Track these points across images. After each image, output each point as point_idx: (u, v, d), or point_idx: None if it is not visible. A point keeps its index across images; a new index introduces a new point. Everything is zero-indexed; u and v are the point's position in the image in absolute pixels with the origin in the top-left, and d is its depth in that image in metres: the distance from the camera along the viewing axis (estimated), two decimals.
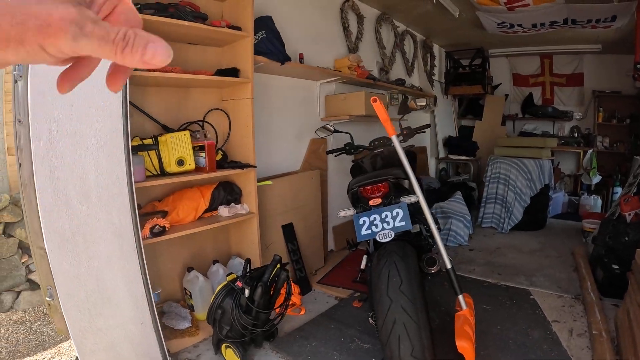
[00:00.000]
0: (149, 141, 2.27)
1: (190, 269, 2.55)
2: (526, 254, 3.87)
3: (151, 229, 2.22)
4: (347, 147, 2.85)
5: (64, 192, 1.80)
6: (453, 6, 4.40)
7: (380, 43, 4.69)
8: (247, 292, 2.09)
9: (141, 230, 2.08)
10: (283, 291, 2.23)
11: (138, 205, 2.39)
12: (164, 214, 2.40)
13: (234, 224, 2.75)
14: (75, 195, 1.84)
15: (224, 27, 2.41)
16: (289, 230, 3.12)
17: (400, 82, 4.71)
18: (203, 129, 2.69)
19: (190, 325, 2.45)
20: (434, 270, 2.07)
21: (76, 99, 1.80)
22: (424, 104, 4.77)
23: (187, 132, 2.37)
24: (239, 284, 2.13)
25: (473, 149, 6.51)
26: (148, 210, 2.43)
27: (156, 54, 0.31)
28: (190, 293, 2.54)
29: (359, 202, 2.17)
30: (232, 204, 2.69)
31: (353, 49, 4.15)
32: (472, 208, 4.99)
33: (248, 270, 2.20)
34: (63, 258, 1.82)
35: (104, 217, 1.93)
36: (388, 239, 1.93)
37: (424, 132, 2.65)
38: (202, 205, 2.54)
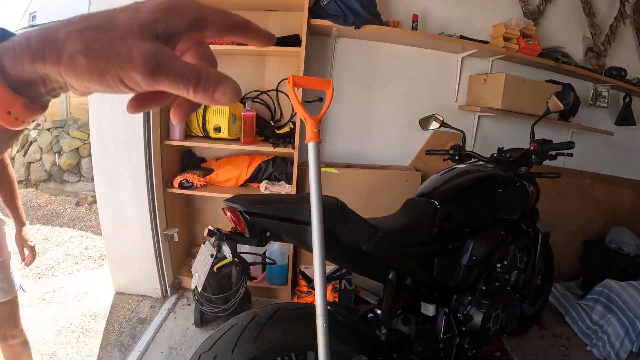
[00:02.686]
0: None
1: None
2: None
3: (181, 182, 2.56)
4: (452, 152, 2.06)
5: (106, 141, 2.45)
6: None
7: (589, 9, 2.64)
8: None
9: (167, 180, 2.49)
10: None
11: (202, 158, 2.80)
12: (208, 172, 2.66)
13: None
14: (111, 144, 2.44)
15: None
16: None
17: (620, 73, 2.62)
18: (276, 99, 2.64)
19: None
20: None
21: None
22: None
23: None
24: None
25: None
26: (205, 166, 2.75)
27: (226, 93, 0.32)
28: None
29: None
30: (279, 182, 2.59)
31: (533, 12, 2.54)
32: None
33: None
34: (104, 185, 2.54)
35: (127, 162, 2.45)
36: None
37: (568, 154, 1.82)
38: (244, 175, 2.61)
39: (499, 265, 1.69)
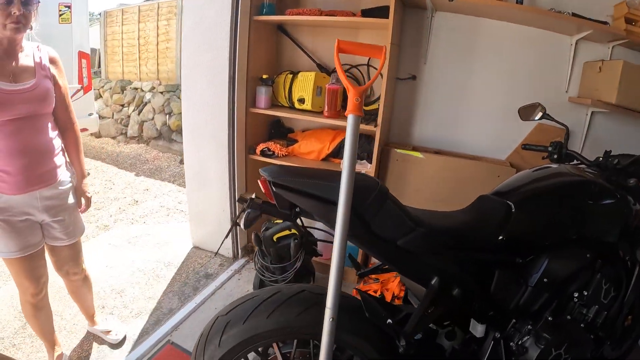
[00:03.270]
0: (266, 76, 2.50)
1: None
2: None
3: (263, 149, 2.59)
4: (551, 149, 1.75)
5: (194, 103, 2.57)
6: None
7: None
8: None
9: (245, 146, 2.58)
10: None
11: (290, 129, 2.82)
12: (292, 143, 2.65)
13: None
14: (198, 105, 2.56)
15: None
16: None
17: None
18: (366, 73, 2.52)
19: None
20: None
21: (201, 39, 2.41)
22: None
23: (313, 73, 2.40)
24: None
25: None
26: (292, 136, 2.75)
27: None
28: None
29: None
30: (361, 160, 2.49)
31: None
32: None
33: None
34: (190, 143, 2.68)
35: (210, 125, 2.54)
36: None
37: None
38: (325, 149, 2.55)
39: (576, 294, 1.34)
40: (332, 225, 1.03)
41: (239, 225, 1.16)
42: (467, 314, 1.30)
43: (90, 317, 2.07)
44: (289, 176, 1.10)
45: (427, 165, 2.37)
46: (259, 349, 1.26)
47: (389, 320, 1.20)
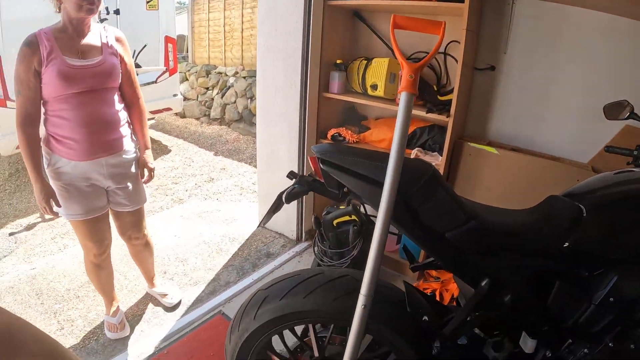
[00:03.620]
0: (340, 62, 2.48)
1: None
2: None
3: (333, 134, 2.60)
4: (636, 153, 1.57)
5: (267, 86, 2.66)
6: None
7: None
8: None
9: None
10: None
11: (364, 116, 2.82)
12: (364, 130, 2.62)
13: None
14: (272, 88, 2.64)
15: None
16: None
17: None
18: (443, 63, 2.41)
19: None
20: None
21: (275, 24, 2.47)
22: None
23: (387, 59, 2.35)
24: None
25: None
26: (365, 123, 2.72)
27: None
28: None
29: None
30: (432, 152, 2.40)
31: None
32: None
33: None
34: (262, 124, 2.80)
35: (282, 108, 2.61)
36: None
37: None
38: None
39: None
40: (378, 208, 0.99)
41: (282, 200, 1.16)
42: (519, 325, 1.18)
43: (150, 279, 2.26)
44: (337, 154, 1.07)
45: (502, 163, 2.23)
46: (295, 328, 1.27)
47: (425, 317, 1.14)
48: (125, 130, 1.78)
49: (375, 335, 1.19)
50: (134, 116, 1.85)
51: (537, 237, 1.14)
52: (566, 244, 1.10)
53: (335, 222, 2.12)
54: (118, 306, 2.09)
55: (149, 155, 1.89)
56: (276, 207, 1.24)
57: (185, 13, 8.05)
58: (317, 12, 2.36)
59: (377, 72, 2.40)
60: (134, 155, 1.83)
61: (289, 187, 1.17)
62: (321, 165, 1.07)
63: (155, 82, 4.94)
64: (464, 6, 1.94)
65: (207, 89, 6.98)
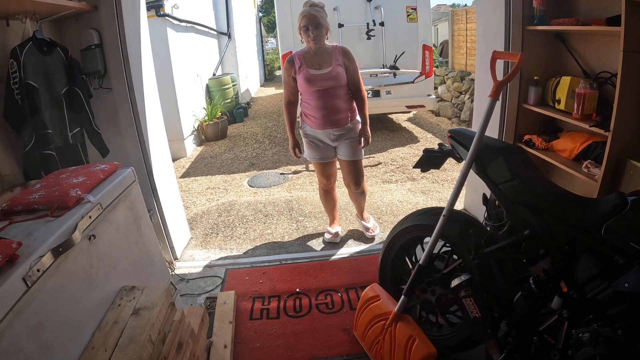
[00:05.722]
0: (537, 78, 2.92)
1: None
2: None
3: (526, 139, 3.08)
4: None
5: (480, 94, 3.33)
6: None
7: None
8: None
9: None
10: None
11: (560, 128, 3.18)
12: (553, 139, 2.96)
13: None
14: (482, 96, 3.32)
15: None
16: None
17: None
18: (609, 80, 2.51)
19: None
20: None
21: (487, 43, 3.09)
22: None
23: (569, 77, 2.67)
24: None
25: None
26: (560, 134, 3.02)
27: None
28: None
29: None
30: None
31: None
32: None
33: None
34: (473, 126, 3.43)
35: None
36: None
37: None
38: (575, 150, 2.68)
39: None
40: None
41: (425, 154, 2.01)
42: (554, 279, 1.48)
43: (360, 213, 3.31)
44: (455, 132, 1.86)
45: None
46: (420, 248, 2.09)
47: (471, 230, 1.70)
48: (348, 113, 2.77)
49: (446, 241, 1.89)
50: (358, 103, 2.81)
51: (576, 211, 1.39)
52: (605, 226, 1.26)
53: (497, 202, 2.59)
54: (337, 226, 3.26)
55: (366, 129, 2.80)
56: (423, 160, 2.03)
57: (446, 22, 8.90)
58: (515, 35, 2.87)
59: (562, 88, 2.72)
60: (353, 127, 2.81)
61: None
62: (449, 140, 1.88)
63: (413, 82, 5.91)
64: (620, 29, 2.06)
65: (461, 93, 7.68)
